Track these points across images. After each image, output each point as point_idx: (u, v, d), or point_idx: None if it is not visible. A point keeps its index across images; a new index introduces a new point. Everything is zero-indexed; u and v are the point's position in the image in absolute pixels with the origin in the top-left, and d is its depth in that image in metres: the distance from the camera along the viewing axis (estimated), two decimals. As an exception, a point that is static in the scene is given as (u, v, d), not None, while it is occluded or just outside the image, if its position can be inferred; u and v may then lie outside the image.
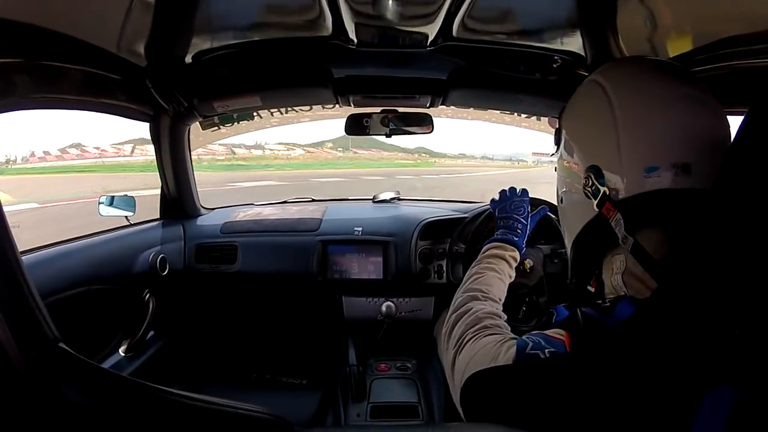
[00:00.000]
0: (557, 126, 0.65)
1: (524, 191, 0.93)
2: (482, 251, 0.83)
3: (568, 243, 0.62)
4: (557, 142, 0.64)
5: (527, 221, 0.88)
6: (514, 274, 0.80)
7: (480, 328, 0.61)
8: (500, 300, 0.73)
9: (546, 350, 0.49)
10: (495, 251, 0.81)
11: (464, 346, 0.59)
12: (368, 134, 1.46)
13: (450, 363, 0.61)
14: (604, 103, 0.53)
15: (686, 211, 0.46)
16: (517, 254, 0.82)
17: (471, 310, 0.66)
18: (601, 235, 0.54)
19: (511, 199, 0.91)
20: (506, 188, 0.96)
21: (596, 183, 0.52)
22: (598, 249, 0.57)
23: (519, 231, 0.85)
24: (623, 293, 0.52)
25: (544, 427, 0.43)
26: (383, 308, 1.41)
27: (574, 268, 0.62)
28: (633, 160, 0.50)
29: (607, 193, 0.51)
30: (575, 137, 0.60)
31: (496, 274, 0.76)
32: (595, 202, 0.52)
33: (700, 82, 0.52)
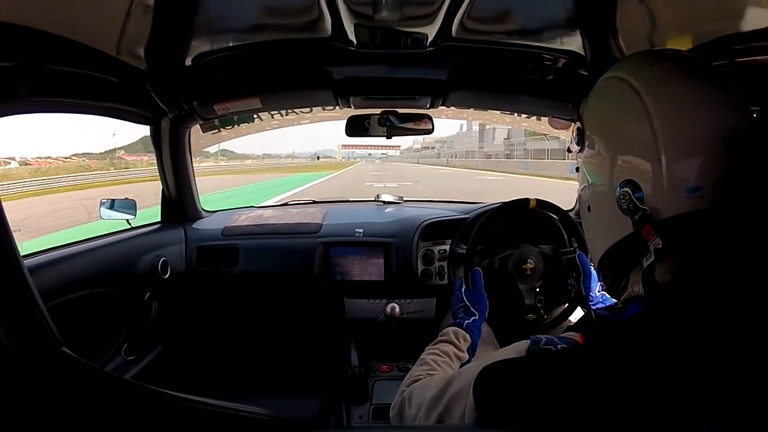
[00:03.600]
0: (578, 126, 0.60)
1: (459, 280, 1.01)
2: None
3: (596, 254, 0.59)
4: (579, 144, 0.60)
5: (464, 300, 0.95)
6: (464, 355, 0.84)
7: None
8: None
9: (558, 345, 0.49)
10: (439, 338, 0.87)
11: (453, 378, 0.58)
12: (369, 136, 1.46)
13: (433, 396, 0.58)
14: (641, 112, 0.48)
15: (717, 232, 0.44)
16: (463, 332, 0.87)
17: (429, 378, 0.68)
18: (634, 252, 0.51)
19: (455, 304, 0.97)
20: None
21: (635, 200, 0.48)
22: (629, 263, 0.54)
23: (461, 314, 0.92)
24: (637, 295, 0.52)
25: (555, 419, 0.43)
26: (388, 309, 1.40)
27: (602, 277, 0.61)
28: (676, 180, 0.46)
29: (648, 212, 0.48)
30: (606, 146, 0.54)
31: (438, 357, 0.80)
32: (633, 222, 0.49)
33: (732, 83, 0.49)
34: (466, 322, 0.89)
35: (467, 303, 0.93)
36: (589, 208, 0.59)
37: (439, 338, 0.86)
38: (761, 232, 0.39)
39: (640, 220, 0.48)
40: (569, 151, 0.65)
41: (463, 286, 0.97)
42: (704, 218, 0.46)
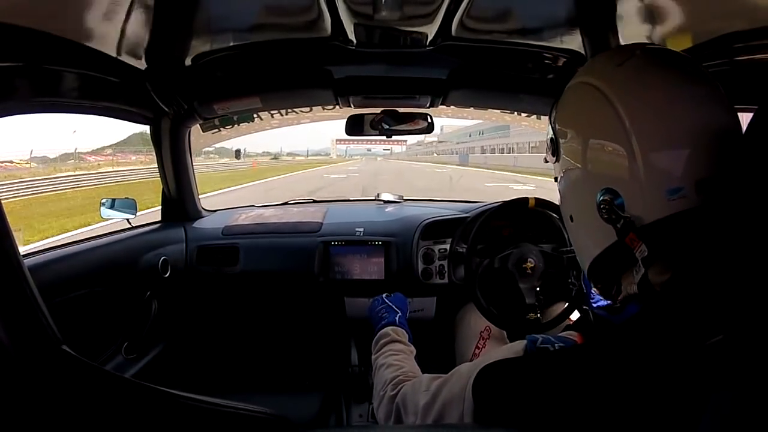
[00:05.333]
0: (552, 135, 0.59)
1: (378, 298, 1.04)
2: (374, 346, 0.87)
3: (584, 262, 0.58)
4: (555, 154, 0.58)
5: (385, 302, 0.99)
6: (412, 347, 0.85)
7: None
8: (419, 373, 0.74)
9: (556, 344, 0.49)
10: (381, 341, 0.86)
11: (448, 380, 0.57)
12: (368, 135, 1.46)
13: (427, 400, 0.57)
14: (613, 118, 0.47)
15: (707, 231, 0.43)
16: (399, 329, 0.88)
17: (412, 380, 0.67)
18: (620, 259, 0.50)
19: (373, 310, 1.00)
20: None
21: (615, 209, 0.47)
22: (618, 268, 0.53)
23: (385, 314, 0.94)
24: (633, 294, 0.51)
25: (554, 418, 0.43)
26: None
27: (592, 283, 0.60)
28: (655, 183, 0.45)
29: (630, 220, 0.46)
30: (581, 155, 0.52)
31: (397, 355, 0.80)
32: (616, 230, 0.48)
33: (709, 74, 0.48)
34: (396, 317, 0.92)
35: (388, 303, 0.97)
36: (571, 218, 0.58)
37: (383, 340, 0.86)
38: (757, 229, 0.39)
39: (622, 228, 0.47)
40: (546, 161, 0.64)
41: (383, 296, 1.02)
42: (689, 219, 0.44)
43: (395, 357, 0.79)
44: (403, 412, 0.63)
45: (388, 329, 0.88)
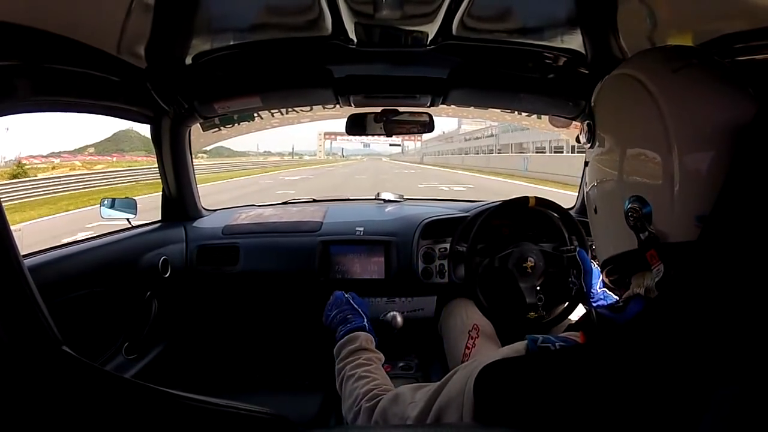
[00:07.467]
0: (589, 122, 0.57)
1: (339, 295, 1.00)
2: (336, 354, 0.84)
3: (601, 255, 0.58)
4: (590, 141, 0.57)
5: (352, 303, 0.95)
6: (381, 355, 0.82)
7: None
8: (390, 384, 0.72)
9: (557, 344, 0.49)
10: (349, 347, 0.83)
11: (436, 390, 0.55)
12: (369, 134, 1.46)
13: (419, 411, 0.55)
14: (659, 129, 0.45)
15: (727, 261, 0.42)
16: (365, 334, 0.84)
17: (387, 393, 0.64)
18: (635, 264, 0.50)
19: (336, 308, 0.97)
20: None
21: (642, 219, 0.46)
22: (632, 269, 0.53)
23: (350, 316, 0.90)
24: (637, 294, 0.51)
25: (556, 417, 0.43)
26: (389, 317, 1.36)
27: (605, 275, 0.60)
28: (686, 205, 0.44)
29: (654, 235, 0.46)
30: (619, 152, 0.51)
31: (369, 365, 0.77)
32: (638, 241, 0.47)
33: (753, 95, 0.46)
34: (364, 322, 0.89)
35: (354, 305, 0.94)
36: (596, 210, 0.57)
37: (351, 346, 0.83)
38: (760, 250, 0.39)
39: (646, 241, 0.46)
40: (578, 141, 0.61)
41: (344, 294, 0.98)
42: (710, 246, 0.43)
43: (366, 368, 0.76)
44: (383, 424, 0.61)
45: (358, 334, 0.85)
